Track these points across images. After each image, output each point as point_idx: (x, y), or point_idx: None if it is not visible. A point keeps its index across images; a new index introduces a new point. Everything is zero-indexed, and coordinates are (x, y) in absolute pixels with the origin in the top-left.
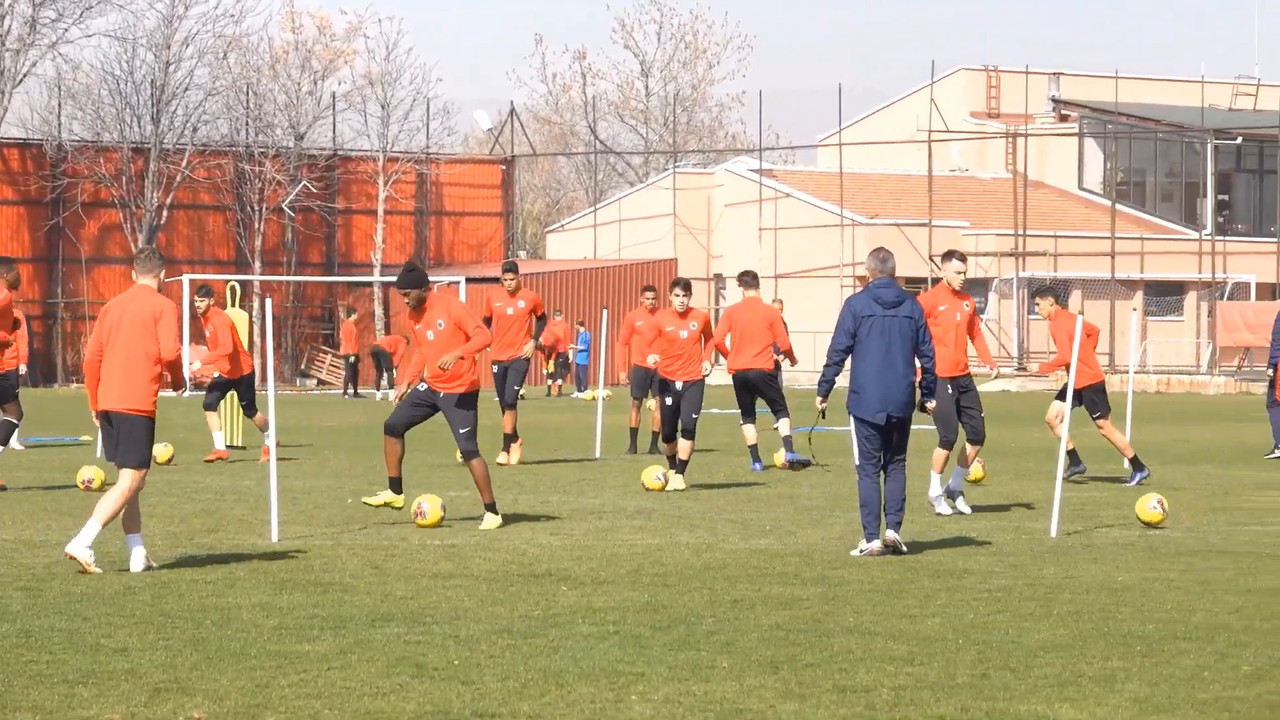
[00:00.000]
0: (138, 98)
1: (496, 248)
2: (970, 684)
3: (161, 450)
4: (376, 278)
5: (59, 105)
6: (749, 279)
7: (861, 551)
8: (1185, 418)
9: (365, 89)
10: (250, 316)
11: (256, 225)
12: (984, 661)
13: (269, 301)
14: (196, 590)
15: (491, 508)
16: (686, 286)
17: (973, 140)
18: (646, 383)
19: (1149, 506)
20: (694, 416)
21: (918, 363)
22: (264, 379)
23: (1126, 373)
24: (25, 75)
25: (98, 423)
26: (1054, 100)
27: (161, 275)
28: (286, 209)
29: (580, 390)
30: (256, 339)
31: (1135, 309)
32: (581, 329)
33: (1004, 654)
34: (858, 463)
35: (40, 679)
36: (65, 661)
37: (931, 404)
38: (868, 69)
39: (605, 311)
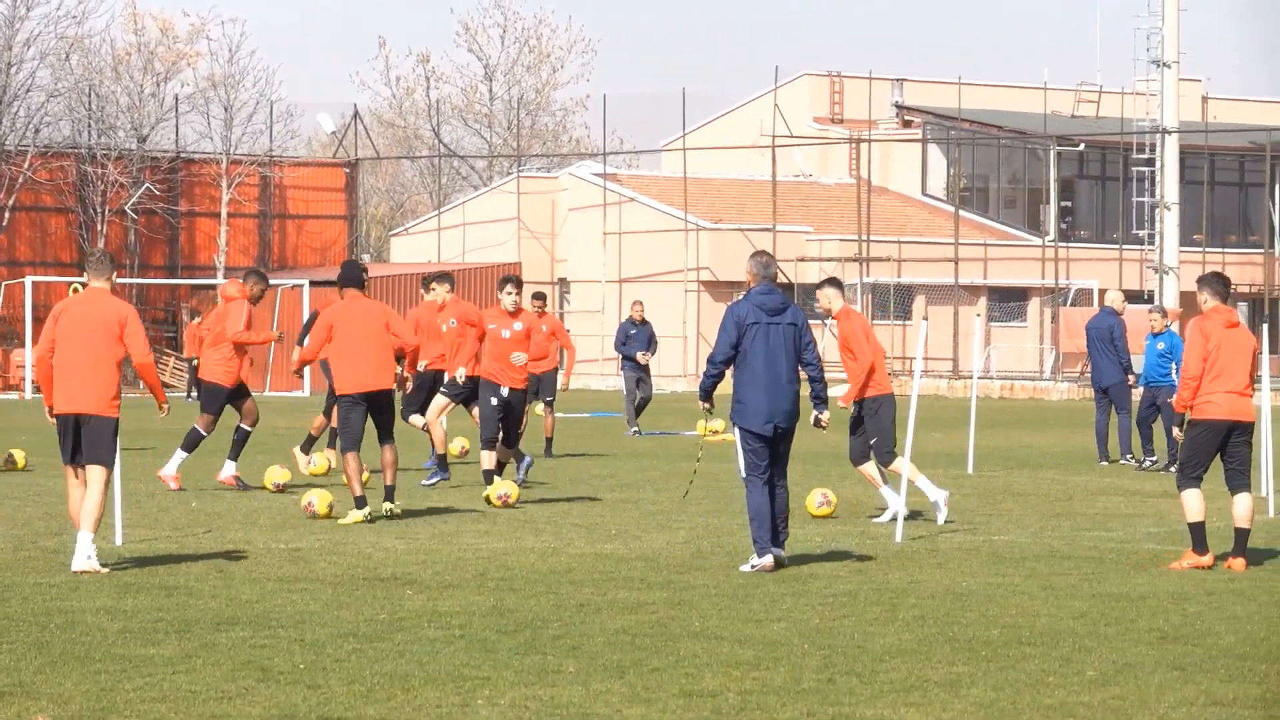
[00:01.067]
0: None
1: (340, 251)
2: (816, 688)
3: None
4: (220, 280)
5: None
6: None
7: (753, 567)
8: (1028, 423)
9: (208, 91)
10: None
11: (100, 228)
12: (830, 666)
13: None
14: (40, 594)
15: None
16: (518, 285)
17: (816, 145)
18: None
19: (816, 503)
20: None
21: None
22: None
23: (970, 378)
24: None
25: (53, 420)
26: (897, 106)
27: (114, 277)
28: (129, 211)
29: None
30: None
31: (979, 315)
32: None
33: (850, 659)
34: (744, 475)
35: None
36: None
37: (826, 415)
38: (712, 74)
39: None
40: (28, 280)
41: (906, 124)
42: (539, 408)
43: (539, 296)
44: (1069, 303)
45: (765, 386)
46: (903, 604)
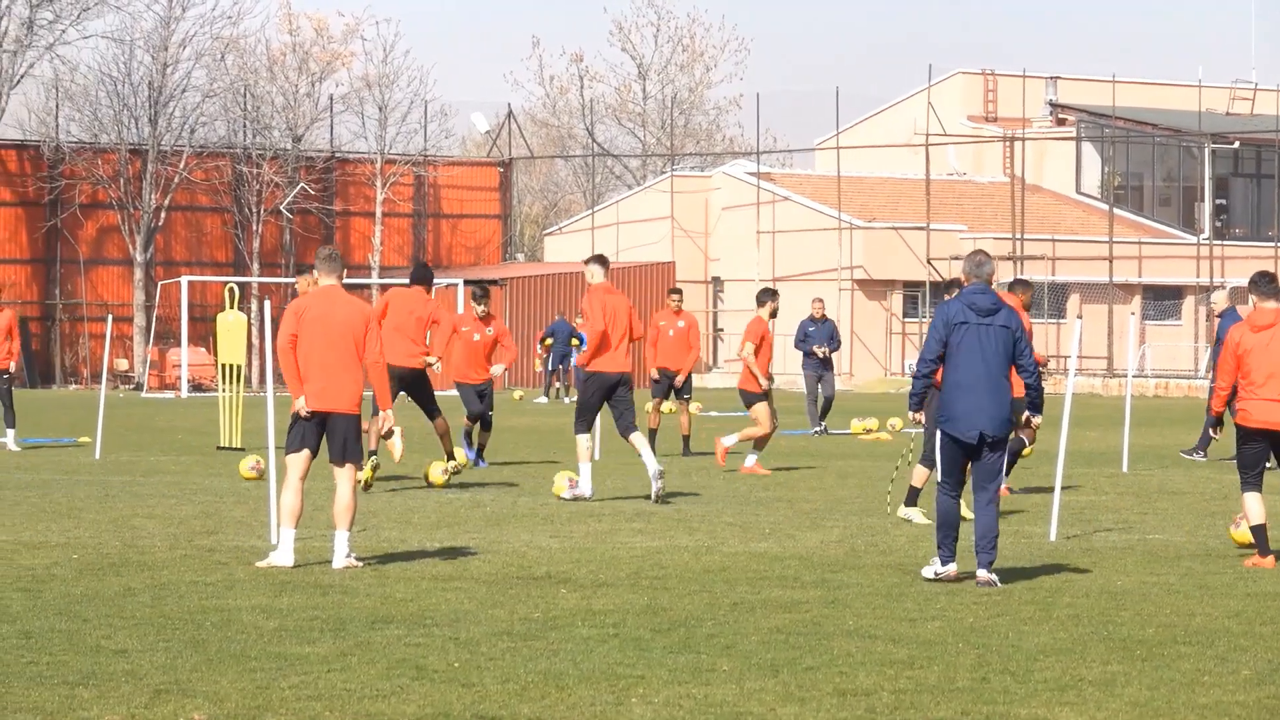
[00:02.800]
0: (135, 99)
1: (495, 250)
2: (970, 688)
3: None
4: (375, 280)
5: (56, 107)
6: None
7: (936, 575)
8: (1183, 422)
9: (363, 91)
10: (249, 319)
11: (254, 227)
12: (984, 665)
13: (268, 304)
14: (196, 592)
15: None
16: (486, 292)
17: (970, 144)
18: (667, 385)
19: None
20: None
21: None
22: (263, 381)
23: (1125, 377)
24: (22, 77)
25: (305, 414)
26: (1051, 104)
27: (344, 275)
28: (284, 211)
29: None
30: (255, 341)
31: (1133, 313)
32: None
33: (1004, 658)
34: (940, 479)
35: (41, 680)
36: (66, 663)
37: (1037, 420)
38: (865, 73)
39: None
40: (184, 280)
41: (1060, 122)
42: (667, 406)
43: (676, 292)
44: None
45: (972, 390)
46: (1057, 603)
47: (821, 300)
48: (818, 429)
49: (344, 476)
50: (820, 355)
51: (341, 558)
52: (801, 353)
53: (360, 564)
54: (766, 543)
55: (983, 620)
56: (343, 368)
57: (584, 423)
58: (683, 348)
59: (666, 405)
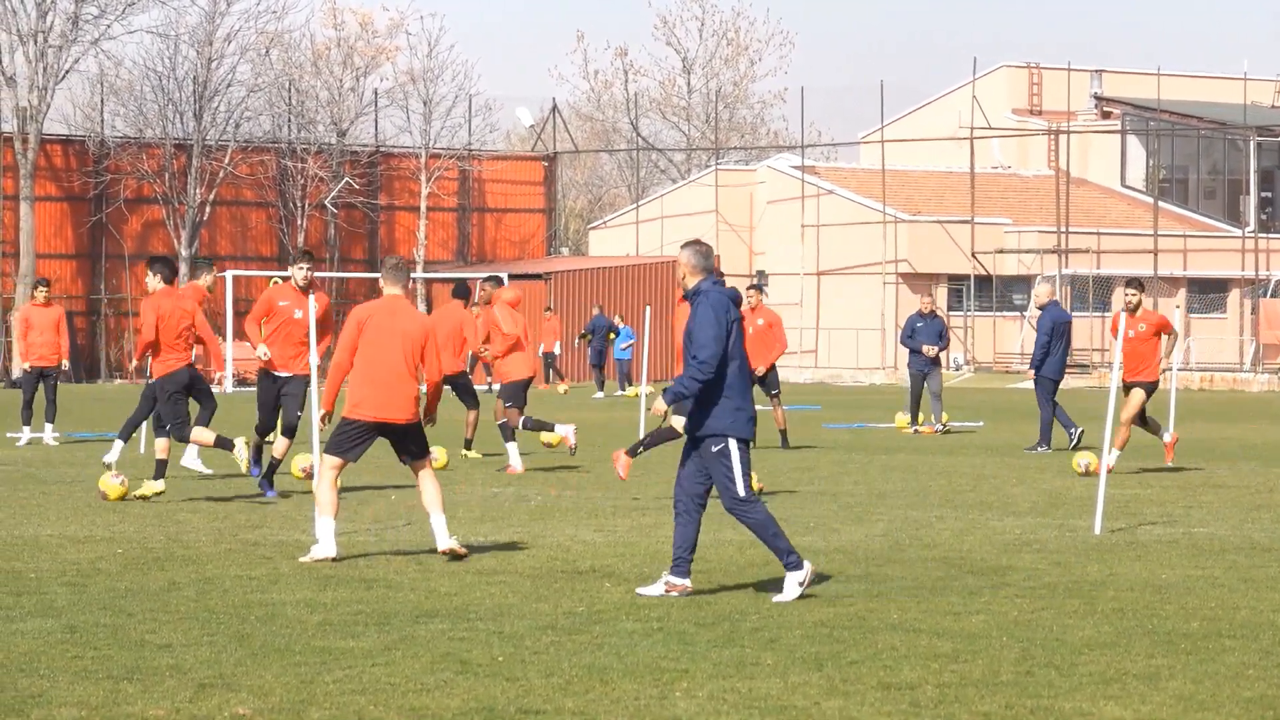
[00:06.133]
0: (180, 94)
1: (539, 244)
2: (1014, 681)
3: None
4: (420, 274)
5: (101, 102)
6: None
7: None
8: (1228, 415)
9: (407, 85)
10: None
11: (299, 222)
12: (1028, 659)
13: (312, 298)
14: (241, 586)
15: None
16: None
17: (1015, 137)
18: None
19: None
20: None
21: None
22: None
23: (1169, 370)
24: (68, 72)
25: (321, 424)
26: (1096, 97)
27: (409, 285)
28: (329, 205)
29: (624, 387)
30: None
31: (1178, 306)
32: (624, 325)
33: (1048, 651)
34: (744, 494)
35: (85, 675)
36: (110, 657)
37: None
38: (910, 66)
39: (648, 308)
40: (229, 275)
41: (1105, 115)
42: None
43: (756, 288)
44: (1269, 294)
45: (746, 389)
46: (1101, 596)
47: (931, 296)
48: (916, 429)
49: (423, 471)
50: (929, 355)
51: (445, 540)
52: (908, 349)
53: (465, 551)
54: (810, 536)
55: (1027, 614)
56: (401, 378)
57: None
58: (764, 345)
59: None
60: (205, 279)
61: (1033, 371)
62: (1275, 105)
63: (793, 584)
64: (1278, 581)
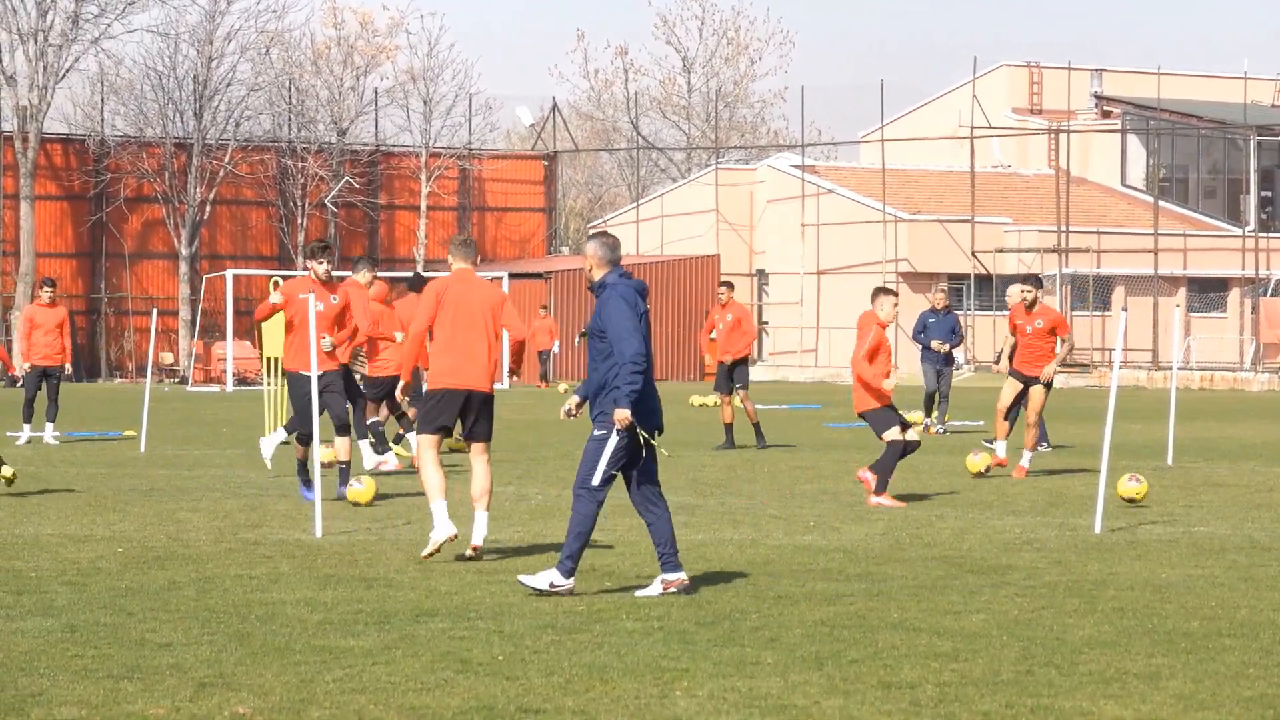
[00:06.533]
0: (180, 93)
1: (540, 243)
2: (1014, 680)
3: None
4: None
5: (102, 101)
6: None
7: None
8: (1229, 415)
9: (407, 85)
10: None
11: (299, 221)
12: (1028, 658)
13: (312, 297)
14: (241, 585)
15: None
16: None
17: (1015, 136)
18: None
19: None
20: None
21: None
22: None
23: (1170, 369)
24: (68, 70)
25: (403, 397)
26: (1096, 96)
27: (478, 260)
28: (329, 204)
29: None
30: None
31: (1178, 305)
32: None
33: (1048, 650)
34: (597, 486)
35: (85, 674)
36: (110, 656)
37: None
38: (910, 65)
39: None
40: (228, 274)
41: (1105, 114)
42: (709, 399)
43: (726, 285)
44: (1269, 293)
45: (649, 382)
46: (1101, 596)
47: (944, 290)
48: (929, 424)
49: (480, 455)
50: (938, 350)
51: (481, 536)
52: (920, 345)
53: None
54: (811, 535)
55: (1027, 613)
56: (480, 347)
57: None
58: (732, 340)
59: (711, 398)
60: (364, 275)
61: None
62: (1275, 104)
63: (544, 579)
64: (1278, 580)
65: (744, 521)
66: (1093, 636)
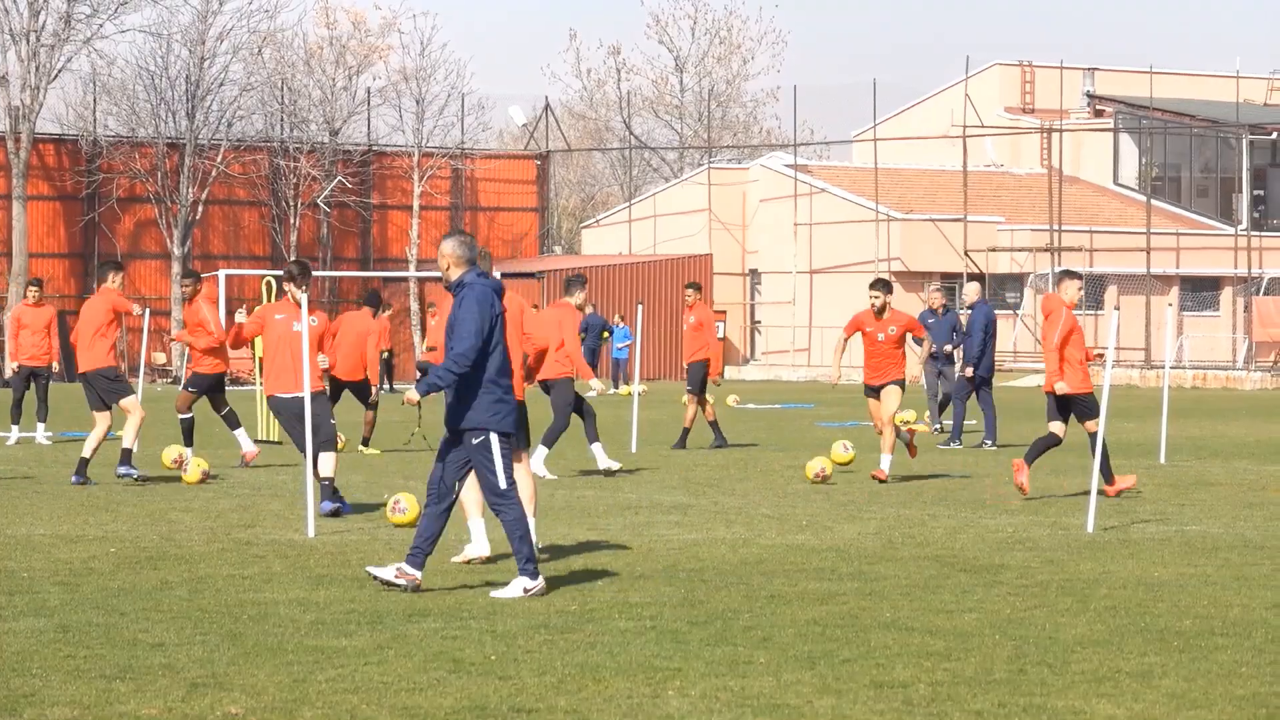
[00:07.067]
0: (173, 93)
1: (532, 243)
2: (1007, 679)
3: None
4: (412, 273)
5: (94, 101)
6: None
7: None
8: (1221, 413)
9: (400, 84)
10: None
11: (292, 221)
12: (1021, 657)
13: (304, 297)
14: (233, 585)
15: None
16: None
17: (1007, 135)
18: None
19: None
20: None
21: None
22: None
23: (1162, 368)
24: (60, 71)
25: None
26: (1089, 95)
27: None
28: (322, 204)
29: (616, 386)
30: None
31: (1171, 304)
32: (621, 324)
33: (1041, 649)
34: (505, 488)
35: (78, 674)
36: (103, 656)
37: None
38: (902, 64)
39: (640, 306)
40: (220, 274)
41: (1098, 113)
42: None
43: (694, 286)
44: (1262, 292)
45: (510, 385)
46: (1094, 595)
47: (940, 290)
48: (938, 427)
49: (519, 464)
50: (934, 352)
51: (483, 546)
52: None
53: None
54: (803, 535)
55: (1019, 612)
56: (515, 355)
57: None
58: (693, 343)
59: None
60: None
61: (970, 369)
62: (1268, 103)
63: (518, 586)
64: (1270, 579)
65: (737, 521)
66: (1085, 635)
